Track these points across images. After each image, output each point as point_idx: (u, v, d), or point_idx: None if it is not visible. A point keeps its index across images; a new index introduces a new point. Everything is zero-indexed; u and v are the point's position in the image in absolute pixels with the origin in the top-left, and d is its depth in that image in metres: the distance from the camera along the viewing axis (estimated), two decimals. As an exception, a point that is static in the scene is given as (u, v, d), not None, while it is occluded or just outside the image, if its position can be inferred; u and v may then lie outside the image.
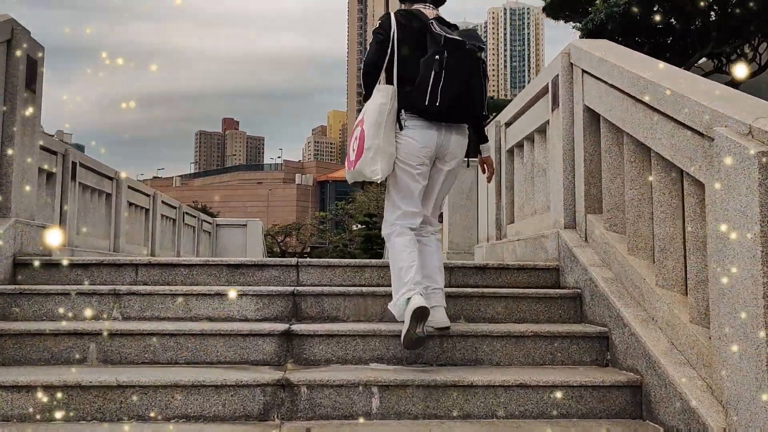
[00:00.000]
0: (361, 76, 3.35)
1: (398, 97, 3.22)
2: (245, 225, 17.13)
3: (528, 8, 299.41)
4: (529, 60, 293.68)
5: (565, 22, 14.40)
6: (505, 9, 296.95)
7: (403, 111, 3.23)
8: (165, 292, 3.55)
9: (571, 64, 4.10)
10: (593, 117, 3.89)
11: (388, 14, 3.36)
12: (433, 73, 3.10)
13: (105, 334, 3.11)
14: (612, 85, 3.46)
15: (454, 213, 8.24)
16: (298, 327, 3.26)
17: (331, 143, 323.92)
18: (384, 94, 3.21)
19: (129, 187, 9.90)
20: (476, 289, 3.73)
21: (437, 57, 3.11)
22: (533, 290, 3.74)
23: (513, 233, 5.46)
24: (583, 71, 3.93)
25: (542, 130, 4.85)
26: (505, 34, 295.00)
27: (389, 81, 3.27)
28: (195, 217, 14.68)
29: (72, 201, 7.62)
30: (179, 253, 13.07)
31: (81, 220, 8.29)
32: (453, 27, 3.34)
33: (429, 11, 3.35)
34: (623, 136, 3.45)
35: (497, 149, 5.89)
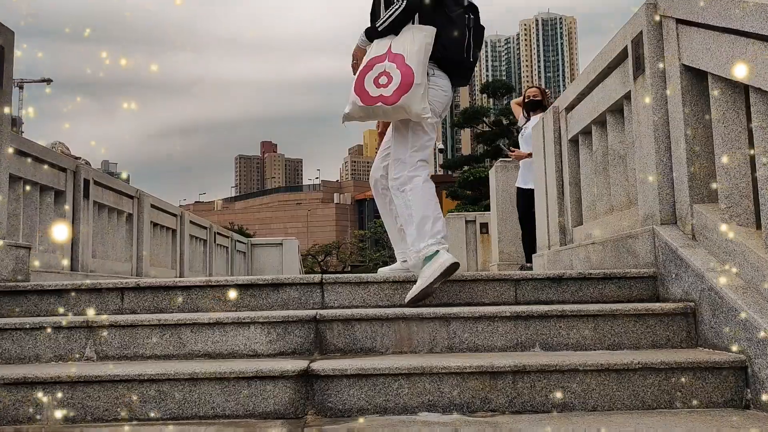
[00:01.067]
0: (402, 11, 3.17)
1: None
2: (281, 244, 16.46)
3: (560, 17, 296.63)
4: (563, 69, 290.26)
5: None
6: (536, 20, 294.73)
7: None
8: (152, 322, 2.76)
9: (659, 17, 3.23)
10: (696, 77, 3.01)
11: None
12: (467, 29, 3.24)
13: (66, 381, 2.33)
14: (729, 29, 2.58)
15: (504, 221, 7.35)
16: (321, 365, 2.44)
17: (368, 162, 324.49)
18: (428, 34, 3.15)
19: (153, 206, 9.29)
20: (553, 307, 2.86)
21: (468, 16, 3.27)
22: (628, 305, 2.85)
23: (582, 237, 4.56)
24: (678, 21, 3.05)
25: (616, 109, 3.97)
26: (538, 45, 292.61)
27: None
28: (227, 237, 14.06)
29: (85, 221, 6.97)
30: (211, 275, 12.41)
31: (98, 242, 7.66)
32: None
33: None
34: (749, 96, 2.57)
35: (556, 140, 5.02)
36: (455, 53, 3.23)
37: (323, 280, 3.17)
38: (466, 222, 12.40)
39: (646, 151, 3.30)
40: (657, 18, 3.25)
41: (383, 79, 3.10)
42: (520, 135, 7.06)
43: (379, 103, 3.09)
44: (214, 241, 12.74)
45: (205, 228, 12.36)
